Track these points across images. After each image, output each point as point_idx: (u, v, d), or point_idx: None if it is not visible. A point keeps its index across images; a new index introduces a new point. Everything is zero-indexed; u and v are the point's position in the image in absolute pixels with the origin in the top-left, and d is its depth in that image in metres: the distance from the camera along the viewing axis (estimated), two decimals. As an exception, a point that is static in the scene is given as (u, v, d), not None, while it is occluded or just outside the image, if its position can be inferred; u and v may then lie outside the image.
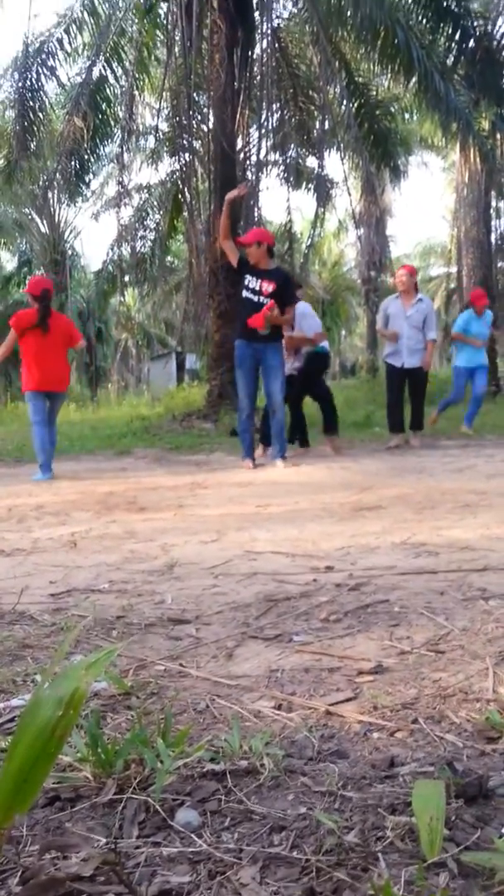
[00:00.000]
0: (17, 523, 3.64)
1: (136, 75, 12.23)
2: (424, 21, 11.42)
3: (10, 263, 29.24)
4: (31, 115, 12.27)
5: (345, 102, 11.55)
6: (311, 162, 13.34)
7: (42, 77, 12.20)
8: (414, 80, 10.85)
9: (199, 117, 12.33)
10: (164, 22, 12.01)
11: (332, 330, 30.62)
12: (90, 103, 12.13)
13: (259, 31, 11.48)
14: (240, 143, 11.65)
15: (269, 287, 5.81)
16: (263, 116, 11.48)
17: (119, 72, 12.55)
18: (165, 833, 0.93)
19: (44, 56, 12.09)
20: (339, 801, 0.99)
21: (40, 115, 12.48)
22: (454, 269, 25.64)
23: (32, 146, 12.75)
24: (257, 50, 11.59)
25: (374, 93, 12.83)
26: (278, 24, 12.36)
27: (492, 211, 16.16)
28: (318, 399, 7.24)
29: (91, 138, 12.60)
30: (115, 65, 12.50)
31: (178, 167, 12.39)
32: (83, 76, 12.19)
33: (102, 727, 1.22)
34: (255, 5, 11.27)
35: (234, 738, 1.14)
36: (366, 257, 23.40)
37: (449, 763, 1.05)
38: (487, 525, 3.08)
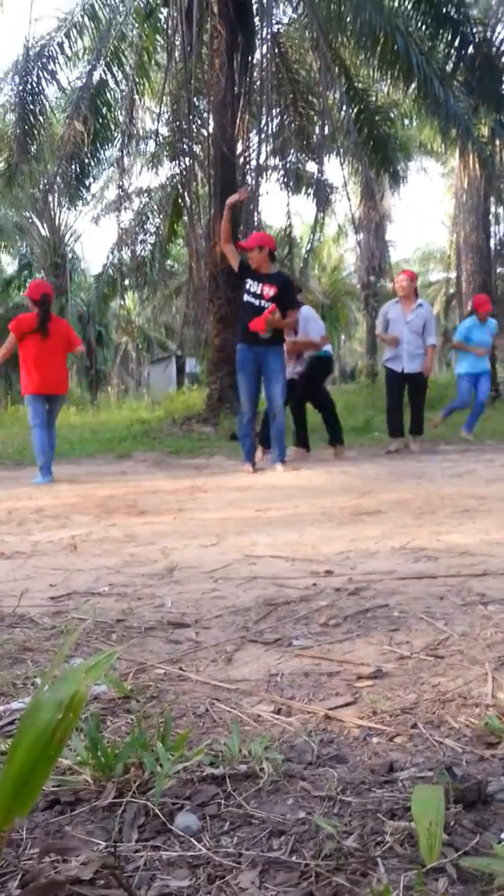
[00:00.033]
0: (18, 526, 3.64)
1: (137, 79, 12.28)
2: (424, 27, 11.46)
3: (11, 266, 29.28)
4: (32, 119, 12.31)
5: (344, 108, 11.59)
6: (311, 167, 13.40)
7: (43, 81, 12.25)
8: (413, 85, 10.90)
9: (200, 122, 12.38)
10: (165, 26, 12.05)
11: (331, 335, 30.61)
12: (91, 107, 12.18)
13: (259, 36, 11.52)
14: (240, 147, 11.68)
15: (270, 291, 5.83)
16: (263, 121, 11.52)
17: (119, 76, 12.59)
18: (165, 837, 0.93)
19: (44, 60, 12.13)
20: (339, 805, 0.99)
21: (41, 118, 12.52)
22: (453, 275, 25.68)
23: (33, 150, 12.78)
24: (257, 55, 11.65)
25: (374, 98, 12.88)
26: (278, 30, 12.40)
27: (491, 217, 16.20)
28: (319, 407, 7.23)
29: (91, 142, 12.64)
30: (115, 69, 12.54)
31: (178, 171, 12.43)
32: (84, 80, 12.24)
33: (102, 731, 1.22)
34: (255, 10, 11.32)
35: (233, 743, 1.14)
36: (365, 262, 23.45)
37: (448, 768, 1.05)
38: (487, 530, 3.08)
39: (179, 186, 12.64)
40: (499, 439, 8.15)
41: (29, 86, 12.10)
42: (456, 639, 1.69)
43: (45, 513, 4.07)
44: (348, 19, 10.89)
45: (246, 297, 5.97)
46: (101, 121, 12.74)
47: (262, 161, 11.84)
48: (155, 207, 15.17)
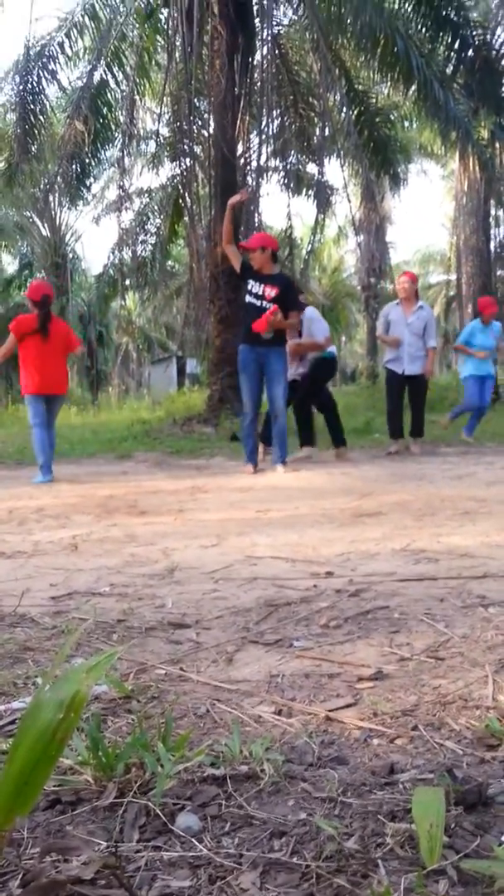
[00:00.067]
0: (18, 526, 3.64)
1: (137, 80, 12.30)
2: (424, 30, 11.49)
3: (11, 266, 29.31)
4: (32, 119, 12.33)
5: (345, 110, 11.61)
6: (312, 168, 13.43)
7: (43, 80, 12.28)
8: (413, 88, 10.92)
9: (200, 122, 12.41)
10: (165, 27, 12.07)
11: (332, 336, 30.60)
12: (91, 107, 12.19)
13: (259, 37, 11.54)
14: (240, 148, 11.70)
15: (271, 292, 5.83)
16: (264, 122, 11.53)
17: (120, 76, 12.62)
18: (166, 837, 0.93)
19: (45, 59, 12.15)
20: (339, 807, 0.99)
21: (41, 118, 12.54)
22: (453, 277, 25.69)
23: (33, 149, 12.80)
24: (258, 56, 11.67)
25: (374, 100, 12.90)
26: (278, 31, 12.43)
27: (491, 219, 16.21)
28: (321, 408, 7.23)
29: (92, 142, 12.66)
30: (115, 69, 12.57)
31: (178, 172, 12.46)
32: (84, 80, 12.26)
33: (103, 731, 1.22)
34: (255, 12, 11.33)
35: (234, 743, 1.14)
36: (366, 264, 23.47)
37: (449, 770, 1.05)
38: (487, 532, 3.08)
39: (180, 187, 12.66)
40: (499, 442, 8.15)
41: (29, 85, 12.12)
42: (456, 641, 1.69)
43: (46, 512, 4.07)
44: (348, 21, 10.91)
45: (248, 298, 5.98)
46: (101, 121, 12.76)
47: (262, 162, 11.87)
48: (155, 208, 15.19)
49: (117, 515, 3.91)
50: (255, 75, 11.59)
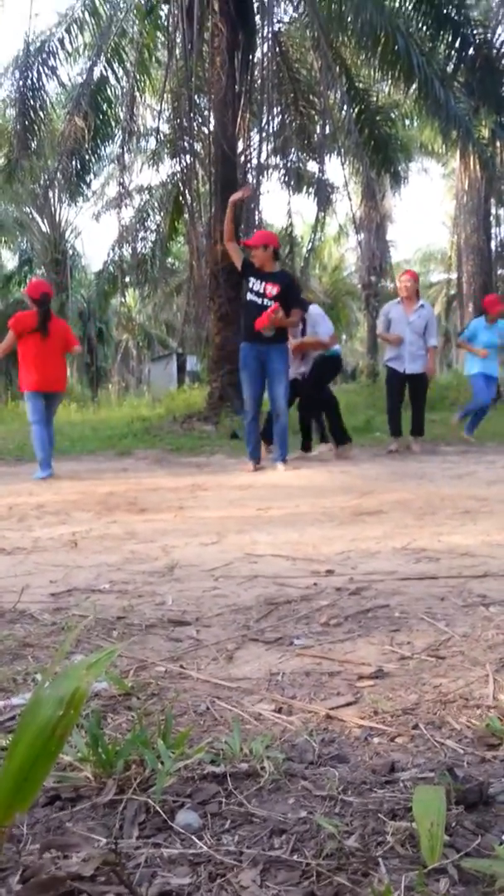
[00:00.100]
0: (18, 522, 3.64)
1: (137, 76, 12.27)
2: (424, 28, 11.46)
3: (11, 262, 29.30)
4: (32, 115, 12.30)
5: (345, 108, 11.59)
6: (312, 166, 13.40)
7: (43, 76, 12.23)
8: (414, 86, 10.90)
9: (200, 120, 12.38)
10: (165, 24, 12.05)
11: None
12: (91, 103, 12.16)
13: (260, 34, 11.52)
14: (240, 146, 11.68)
15: (273, 290, 5.82)
16: (264, 120, 11.51)
17: (120, 73, 12.58)
18: (166, 834, 0.93)
19: (45, 55, 12.11)
20: (340, 805, 0.99)
21: (41, 114, 12.50)
22: (454, 276, 25.68)
23: (33, 145, 12.77)
24: (258, 54, 11.65)
25: (375, 99, 12.87)
26: (279, 28, 12.41)
27: (492, 218, 16.20)
28: (323, 407, 7.22)
29: (92, 138, 12.63)
30: (115, 65, 12.53)
31: (178, 169, 12.44)
32: (84, 76, 12.23)
33: (103, 727, 1.21)
34: (255, 9, 11.31)
35: (234, 741, 1.13)
36: (366, 262, 23.44)
37: (449, 769, 1.05)
38: (488, 531, 3.08)
39: (180, 184, 12.64)
40: (499, 441, 8.14)
41: (29, 81, 12.09)
42: (457, 640, 1.69)
43: (46, 509, 4.07)
44: (349, 19, 10.88)
45: (249, 296, 5.98)
46: (101, 117, 12.73)
47: (262, 160, 11.84)
48: (156, 205, 15.16)
49: (117, 512, 3.90)
50: (256, 73, 11.57)
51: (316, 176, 12.55)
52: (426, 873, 0.82)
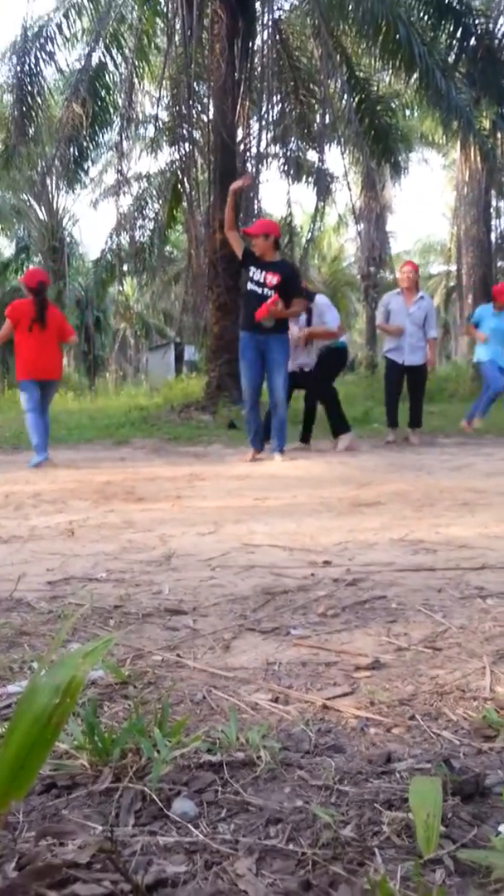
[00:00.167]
0: (15, 510, 3.64)
1: (136, 63, 12.18)
2: (426, 17, 11.39)
3: (8, 250, 29.15)
4: (30, 101, 12.18)
5: (345, 97, 11.51)
6: (312, 156, 13.33)
7: (41, 62, 12.11)
8: (415, 76, 10.83)
9: (199, 107, 12.29)
10: (165, 10, 11.95)
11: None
12: (89, 90, 12.06)
13: (260, 22, 11.43)
14: (240, 134, 11.61)
15: (273, 279, 5.80)
16: (264, 108, 11.45)
17: (118, 59, 12.49)
18: (162, 822, 0.93)
19: (42, 41, 11.99)
20: (336, 795, 0.99)
21: (39, 100, 12.39)
22: (454, 268, 25.62)
23: (31, 132, 12.66)
24: (258, 41, 11.57)
25: (375, 88, 12.79)
26: (279, 16, 12.32)
27: (492, 210, 16.16)
28: (321, 399, 7.19)
29: (90, 125, 12.53)
30: (114, 52, 12.43)
31: (177, 157, 12.37)
32: (82, 62, 12.12)
33: (99, 716, 1.21)
34: (256, -4, 11.22)
35: (230, 730, 1.13)
36: (366, 253, 23.37)
37: (446, 760, 1.05)
38: (485, 524, 3.08)
39: (179, 172, 12.56)
40: (498, 433, 8.14)
41: (27, 67, 11.97)
42: (454, 631, 1.69)
43: (43, 497, 4.07)
44: (350, 7, 10.80)
45: (249, 286, 5.96)
46: (99, 104, 12.64)
47: (262, 148, 11.79)
48: (154, 193, 15.07)
49: (115, 501, 3.90)
50: (256, 60, 11.49)
51: (316, 165, 12.50)
52: (422, 864, 0.82)
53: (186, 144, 11.62)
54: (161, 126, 12.82)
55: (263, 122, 11.72)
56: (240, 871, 0.83)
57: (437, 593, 2.03)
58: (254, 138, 11.81)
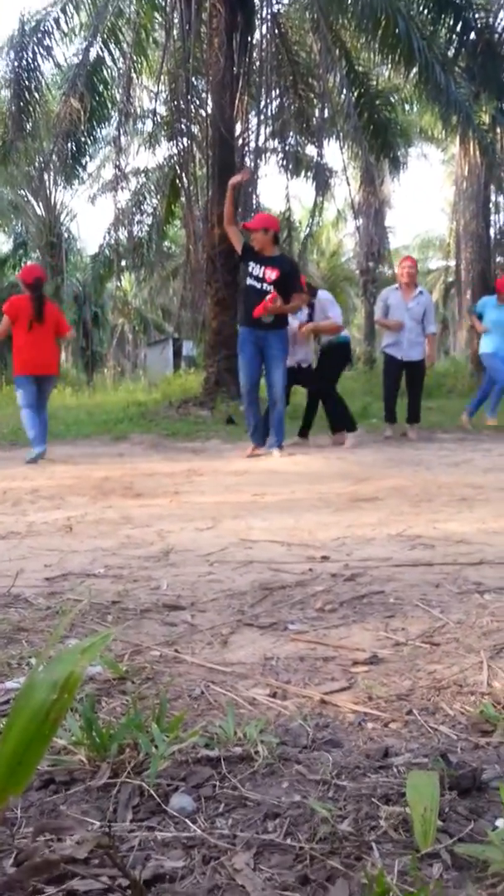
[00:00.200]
0: (13, 506, 3.64)
1: (134, 58, 12.11)
2: (426, 12, 11.34)
3: (6, 245, 29.05)
4: (27, 96, 12.13)
5: (345, 91, 11.47)
6: (311, 150, 13.29)
7: (38, 57, 12.06)
8: (414, 70, 10.78)
9: (198, 102, 12.23)
10: (163, 4, 11.90)
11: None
12: (87, 85, 12.02)
13: (259, 16, 11.39)
14: (238, 129, 11.58)
15: (272, 274, 5.79)
16: (263, 103, 11.41)
17: (116, 53, 12.43)
18: (160, 818, 0.93)
19: (40, 35, 11.93)
20: (334, 789, 0.99)
21: (36, 95, 12.34)
22: (452, 263, 25.59)
23: (28, 127, 12.61)
24: (257, 35, 11.53)
25: (375, 83, 12.75)
26: (278, 10, 12.26)
27: (491, 205, 16.12)
28: (319, 394, 7.19)
29: (88, 120, 12.47)
30: (112, 46, 12.37)
31: (175, 152, 12.31)
32: (80, 57, 12.06)
33: (97, 711, 1.21)
34: (255, -10, 11.17)
35: (228, 725, 1.14)
36: (364, 248, 23.32)
37: (443, 755, 1.05)
38: (484, 519, 3.08)
39: (177, 167, 12.51)
40: (496, 429, 8.14)
41: (24, 62, 11.92)
42: (452, 626, 1.70)
43: (41, 493, 4.06)
44: (349, 1, 10.76)
45: (248, 281, 5.96)
46: (97, 99, 12.59)
47: (261, 143, 11.75)
48: (152, 188, 15.03)
49: (113, 497, 3.90)
50: (255, 55, 11.45)
51: (314, 160, 12.46)
52: (419, 858, 0.82)
53: (185, 139, 11.58)
54: (159, 121, 12.78)
55: (262, 117, 11.69)
56: (237, 865, 0.83)
57: (434, 588, 2.03)
58: (252, 133, 11.79)
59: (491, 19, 12.58)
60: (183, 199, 12.19)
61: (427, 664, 1.46)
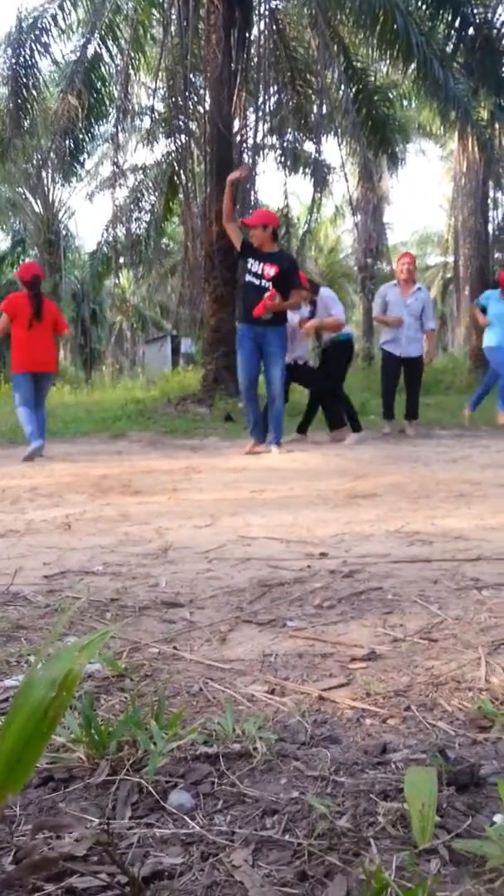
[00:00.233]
0: (11, 504, 3.64)
1: (132, 54, 12.07)
2: (424, 7, 11.32)
3: (4, 243, 28.98)
4: (25, 93, 12.09)
5: (343, 87, 11.44)
6: (309, 146, 13.25)
7: (36, 54, 12.00)
8: (413, 66, 10.75)
9: (196, 98, 12.19)
10: (160, 0, 11.85)
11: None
12: (85, 81, 11.97)
13: (256, 12, 11.35)
14: (236, 125, 11.54)
15: (270, 271, 5.78)
16: (260, 99, 11.38)
17: (114, 50, 12.38)
18: (158, 814, 0.94)
19: (37, 32, 11.88)
20: (332, 786, 1.00)
21: (34, 92, 12.29)
22: (451, 259, 25.57)
23: (26, 124, 12.56)
24: (255, 31, 11.48)
25: (373, 78, 12.72)
26: (276, 6, 12.22)
27: (489, 201, 16.10)
28: (312, 390, 7.20)
29: (86, 117, 12.44)
30: (110, 43, 12.32)
31: (173, 148, 12.27)
32: (78, 54, 12.02)
33: (96, 709, 1.22)
34: (252, -15, 11.13)
35: (227, 722, 1.14)
36: (363, 244, 23.28)
37: (441, 751, 1.05)
38: (481, 515, 3.09)
39: (175, 164, 12.48)
40: (494, 424, 8.14)
41: (22, 59, 11.87)
42: (450, 622, 1.70)
43: (39, 491, 4.06)
44: (347, -4, 10.73)
45: (247, 277, 5.96)
46: (95, 95, 12.55)
47: (259, 139, 11.72)
48: (150, 185, 14.98)
49: (111, 495, 3.90)
50: (252, 51, 11.41)
51: (312, 156, 12.43)
52: (417, 854, 0.82)
53: (183, 136, 11.55)
54: (157, 117, 12.74)
55: (260, 113, 11.66)
56: (236, 862, 0.83)
57: (432, 585, 2.04)
58: (250, 129, 11.76)
59: (489, 14, 12.57)
60: (181, 195, 12.15)
61: (425, 660, 1.47)
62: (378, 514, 3.16)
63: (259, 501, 3.61)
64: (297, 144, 13.46)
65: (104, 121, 13.31)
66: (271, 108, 12.10)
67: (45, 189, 21.52)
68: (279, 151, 12.92)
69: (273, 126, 12.49)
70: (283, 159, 12.85)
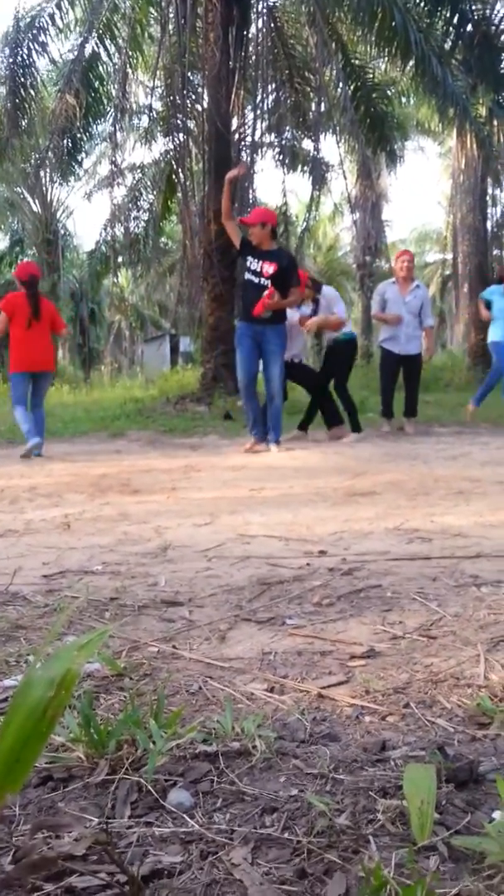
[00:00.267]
0: (10, 504, 3.63)
1: (130, 53, 12.06)
2: (422, 4, 11.29)
3: (2, 243, 28.95)
4: (23, 92, 12.07)
5: (341, 85, 11.43)
6: (307, 144, 13.25)
7: (33, 53, 11.98)
8: (411, 63, 10.74)
9: (194, 97, 12.17)
10: (158, -2, 11.84)
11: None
12: (83, 81, 11.95)
13: (254, 10, 11.34)
14: (235, 123, 11.54)
15: (269, 269, 5.78)
16: (259, 97, 11.37)
17: (112, 49, 12.37)
18: (158, 813, 0.94)
19: (35, 31, 11.87)
20: (331, 783, 1.00)
21: (32, 92, 12.28)
22: (450, 256, 25.56)
23: (24, 124, 12.54)
24: (253, 29, 11.47)
25: (371, 76, 12.69)
26: (274, 4, 12.20)
27: (488, 198, 16.10)
28: (310, 390, 7.19)
29: (83, 116, 12.42)
30: (107, 42, 12.31)
31: (171, 147, 12.26)
32: (75, 53, 12.00)
33: (95, 708, 1.22)
34: (250, -17, 11.12)
35: (226, 720, 1.14)
36: (361, 242, 23.27)
37: (440, 748, 1.05)
38: (481, 513, 3.09)
39: (173, 162, 12.47)
40: (494, 422, 8.14)
41: (19, 58, 11.85)
42: (449, 620, 1.70)
43: (38, 491, 4.06)
44: (346, -7, 10.71)
45: (246, 275, 5.95)
46: (93, 95, 12.53)
47: (257, 137, 11.71)
48: (148, 183, 14.97)
49: (110, 494, 3.90)
50: (250, 49, 11.40)
51: (311, 154, 12.42)
52: (416, 851, 0.82)
53: (181, 134, 11.53)
54: (155, 116, 12.72)
55: (258, 111, 11.65)
56: (235, 860, 0.83)
57: (431, 582, 2.04)
58: (249, 127, 11.74)
59: (488, 11, 12.53)
60: (179, 194, 12.15)
61: (424, 657, 1.47)
62: (377, 511, 3.16)
63: (258, 500, 3.61)
64: (296, 142, 13.45)
65: (102, 120, 13.30)
66: (269, 106, 12.09)
67: (44, 188, 21.50)
68: (277, 149, 12.90)
69: (271, 124, 12.48)
70: (281, 157, 12.83)
